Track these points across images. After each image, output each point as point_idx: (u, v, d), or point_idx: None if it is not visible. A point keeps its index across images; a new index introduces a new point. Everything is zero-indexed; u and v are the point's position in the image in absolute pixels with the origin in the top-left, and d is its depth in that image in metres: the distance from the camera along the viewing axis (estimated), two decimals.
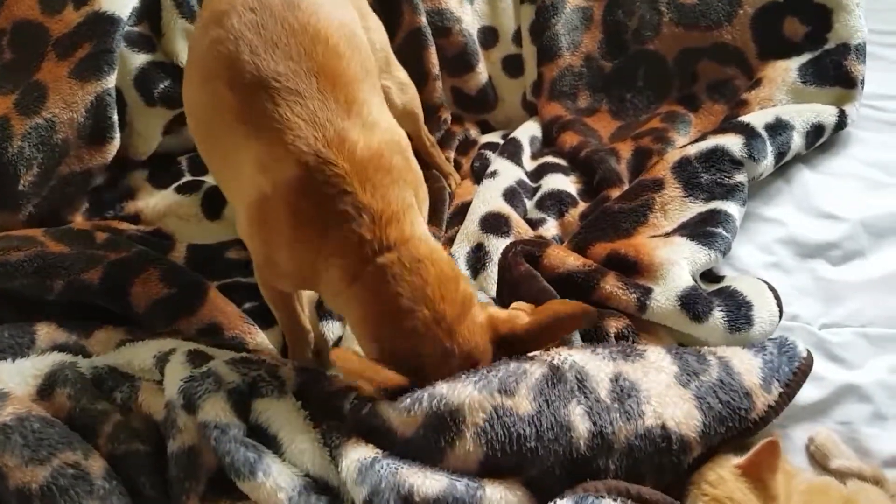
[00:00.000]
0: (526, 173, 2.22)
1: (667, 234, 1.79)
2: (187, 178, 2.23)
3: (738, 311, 1.60)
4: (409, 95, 2.05)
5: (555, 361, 1.37)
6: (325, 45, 1.41)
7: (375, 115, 1.43)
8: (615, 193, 2.01)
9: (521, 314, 1.40)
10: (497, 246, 1.90)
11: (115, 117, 2.09)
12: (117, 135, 2.10)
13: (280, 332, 1.76)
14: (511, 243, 1.87)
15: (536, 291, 1.66)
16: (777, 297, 1.65)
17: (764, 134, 1.94)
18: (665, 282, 1.66)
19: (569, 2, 2.44)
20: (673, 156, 1.94)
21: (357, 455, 1.29)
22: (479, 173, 2.22)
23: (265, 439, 1.37)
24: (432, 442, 1.29)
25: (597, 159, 2.15)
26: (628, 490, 1.26)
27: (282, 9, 1.42)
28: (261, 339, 1.72)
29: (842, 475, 1.41)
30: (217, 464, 1.34)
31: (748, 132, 1.93)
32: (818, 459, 1.46)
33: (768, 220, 1.93)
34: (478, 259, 1.90)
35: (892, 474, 1.40)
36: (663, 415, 1.34)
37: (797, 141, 1.99)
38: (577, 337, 1.59)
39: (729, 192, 1.84)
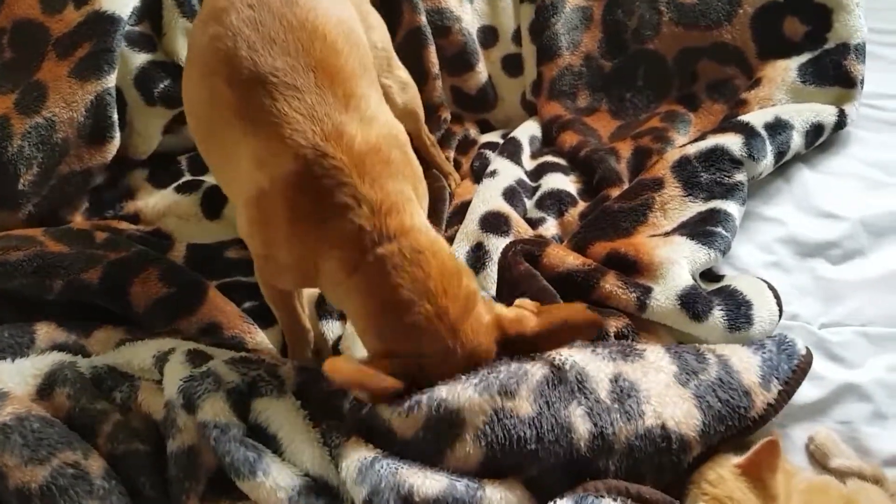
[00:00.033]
0: (525, 173, 2.21)
1: (666, 234, 1.79)
2: (187, 177, 2.22)
3: (738, 311, 1.60)
4: (410, 94, 2.05)
5: (556, 362, 1.37)
6: (322, 41, 1.41)
7: (374, 109, 1.42)
8: (615, 193, 2.01)
9: (528, 315, 1.37)
10: (497, 245, 1.90)
11: (115, 117, 2.09)
12: (117, 134, 2.10)
13: (280, 331, 1.76)
14: (511, 242, 1.87)
15: (536, 290, 1.66)
16: (777, 297, 1.65)
17: (763, 133, 1.94)
18: (665, 281, 1.66)
19: (568, 1, 2.44)
20: (673, 155, 1.94)
21: (357, 455, 1.29)
22: (479, 173, 2.22)
23: (265, 439, 1.38)
24: (432, 444, 1.30)
25: (596, 159, 2.15)
26: (628, 490, 1.26)
27: (280, 5, 1.42)
28: (260, 338, 1.72)
29: (842, 474, 1.41)
30: (217, 463, 1.35)
31: (748, 131, 1.93)
32: (818, 458, 1.46)
33: (768, 219, 1.93)
34: (477, 258, 1.90)
35: (891, 473, 1.40)
36: (663, 414, 1.34)
37: (797, 140, 1.99)
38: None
39: (728, 191, 1.84)
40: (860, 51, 2.15)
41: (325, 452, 1.34)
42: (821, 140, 2.08)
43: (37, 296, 1.72)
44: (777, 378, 1.44)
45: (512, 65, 2.49)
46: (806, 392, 1.51)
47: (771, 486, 1.29)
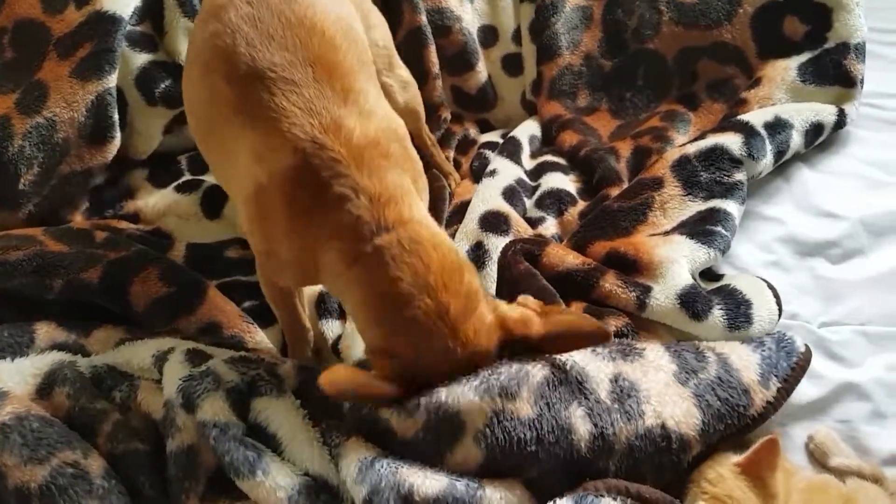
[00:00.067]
0: (525, 172, 2.21)
1: (666, 233, 1.79)
2: (187, 177, 2.22)
3: (738, 310, 1.60)
4: (412, 93, 2.05)
5: (557, 363, 1.37)
6: (321, 37, 1.41)
7: (372, 104, 1.42)
8: (614, 192, 2.01)
9: (533, 318, 1.34)
10: (496, 244, 1.90)
11: (116, 117, 2.09)
12: (118, 134, 2.10)
13: (279, 330, 1.76)
14: (510, 242, 1.88)
15: (536, 290, 1.66)
16: (776, 296, 1.65)
17: (763, 132, 1.94)
18: (664, 280, 1.66)
19: (568, 1, 2.44)
20: (672, 154, 1.94)
21: (357, 454, 1.29)
22: (479, 173, 2.22)
23: (264, 438, 1.38)
24: (432, 445, 1.29)
25: (596, 158, 2.15)
26: (628, 489, 1.26)
27: (278, 2, 1.43)
28: (260, 337, 1.72)
29: (841, 473, 1.41)
30: (216, 463, 1.35)
31: (747, 131, 1.93)
32: (817, 457, 1.46)
33: (768, 218, 1.93)
34: (477, 258, 1.90)
35: (891, 472, 1.40)
36: (663, 414, 1.34)
37: (796, 140, 1.99)
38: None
39: (728, 190, 1.84)
40: (860, 50, 2.15)
41: (324, 452, 1.34)
42: (820, 139, 2.08)
43: (36, 295, 1.72)
44: (776, 376, 1.44)
45: (512, 64, 2.49)
46: (805, 391, 1.51)
47: (770, 485, 1.29)
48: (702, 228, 1.76)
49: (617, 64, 2.42)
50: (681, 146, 2.00)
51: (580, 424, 1.30)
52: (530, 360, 1.36)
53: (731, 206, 1.81)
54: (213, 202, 2.10)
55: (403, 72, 2.02)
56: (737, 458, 1.32)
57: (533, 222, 2.02)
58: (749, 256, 1.84)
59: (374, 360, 1.30)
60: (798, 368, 1.46)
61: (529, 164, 2.27)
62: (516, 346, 1.35)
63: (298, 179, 1.32)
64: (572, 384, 1.35)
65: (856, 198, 1.94)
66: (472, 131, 2.48)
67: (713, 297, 1.63)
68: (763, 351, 1.47)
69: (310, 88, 1.36)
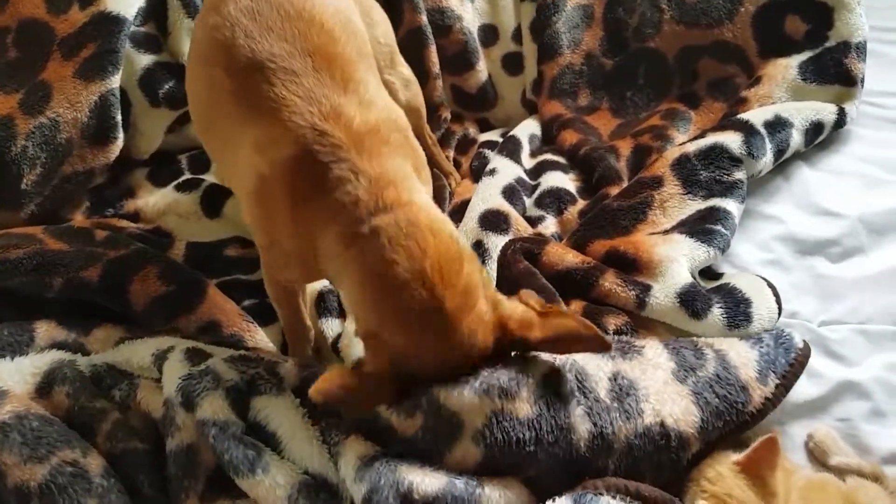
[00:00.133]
0: (525, 171, 2.21)
1: (666, 232, 1.79)
2: (187, 176, 2.23)
3: (737, 308, 1.60)
4: (413, 91, 2.05)
5: (557, 362, 1.37)
6: (319, 29, 1.42)
7: (373, 94, 1.42)
8: (614, 191, 2.01)
9: (534, 319, 1.31)
10: (496, 243, 1.90)
11: (119, 117, 2.09)
12: (121, 135, 2.10)
13: (279, 329, 1.76)
14: (510, 241, 1.88)
15: (536, 289, 1.65)
16: (776, 294, 1.65)
17: (763, 131, 1.94)
18: (664, 279, 1.66)
19: None
20: (672, 153, 1.94)
21: (356, 452, 1.29)
22: (478, 172, 2.22)
23: (264, 437, 1.38)
24: (431, 444, 1.29)
25: (596, 157, 2.15)
26: (627, 487, 1.26)
27: None
28: (260, 336, 1.72)
29: (841, 472, 1.41)
30: (216, 462, 1.35)
31: (747, 129, 1.93)
32: (817, 456, 1.46)
33: (767, 217, 1.93)
34: (477, 256, 1.90)
35: (890, 471, 1.40)
36: (662, 412, 1.34)
37: (796, 138, 1.99)
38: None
39: (728, 189, 1.84)
40: (861, 49, 2.15)
41: (324, 450, 1.34)
42: (820, 138, 2.07)
43: (36, 294, 1.73)
44: (774, 372, 1.44)
45: (512, 63, 2.49)
46: (805, 389, 1.51)
47: (770, 484, 1.29)
48: (701, 227, 1.76)
49: (618, 63, 2.42)
50: (681, 145, 1.99)
51: (579, 424, 1.31)
52: (531, 359, 1.36)
53: (730, 205, 1.81)
54: (213, 201, 2.10)
55: (405, 69, 2.03)
56: (736, 457, 1.32)
57: (533, 221, 2.03)
58: (749, 255, 1.84)
59: (365, 345, 1.29)
60: (797, 365, 1.46)
61: (529, 162, 2.28)
62: (515, 346, 1.34)
63: (299, 167, 1.31)
64: (572, 383, 1.35)
65: (855, 196, 1.94)
66: (472, 130, 2.49)
67: (713, 295, 1.63)
68: (761, 347, 1.47)
69: (309, 78, 1.36)
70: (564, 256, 1.77)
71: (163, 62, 2.20)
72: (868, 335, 1.65)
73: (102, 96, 2.06)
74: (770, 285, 1.67)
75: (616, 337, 1.57)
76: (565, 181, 2.15)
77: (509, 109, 2.52)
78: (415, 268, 1.23)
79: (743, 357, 1.45)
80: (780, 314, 1.63)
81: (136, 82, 2.16)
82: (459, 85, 2.46)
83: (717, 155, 1.88)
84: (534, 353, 1.37)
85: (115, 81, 2.09)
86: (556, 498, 1.24)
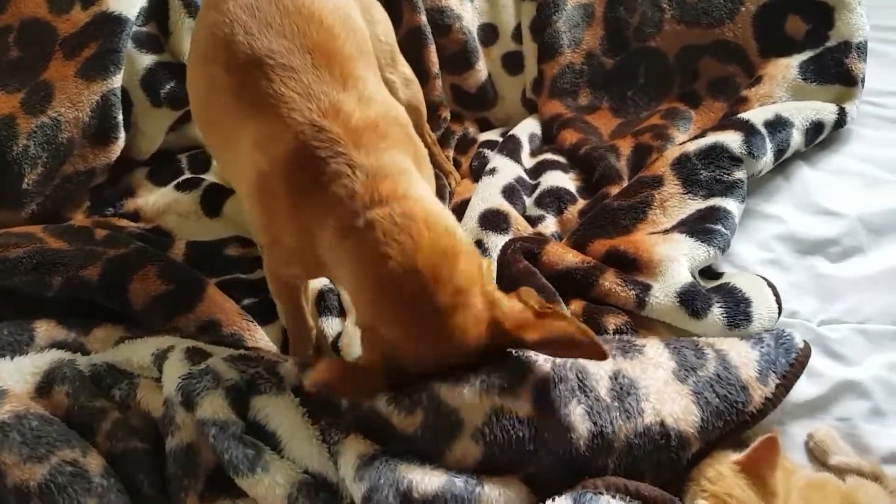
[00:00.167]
0: (525, 170, 2.21)
1: (666, 231, 1.79)
2: (187, 175, 2.23)
3: (737, 308, 1.60)
4: (413, 90, 2.05)
5: (557, 360, 1.37)
6: (319, 25, 1.42)
7: (372, 90, 1.42)
8: (614, 190, 2.01)
9: (530, 319, 1.28)
10: (496, 243, 1.90)
11: (120, 117, 2.09)
12: (122, 135, 2.11)
13: (279, 328, 1.77)
14: (510, 240, 1.88)
15: (535, 288, 1.64)
16: (776, 294, 1.65)
17: (763, 131, 1.94)
18: (664, 278, 1.66)
19: None
20: (672, 153, 1.94)
21: (356, 451, 1.29)
22: (478, 172, 2.22)
23: (264, 436, 1.37)
24: (431, 441, 1.30)
25: (596, 156, 2.15)
26: (627, 487, 1.26)
27: None
28: (259, 335, 1.72)
29: (841, 471, 1.41)
30: (216, 461, 1.34)
31: (748, 129, 1.93)
32: (817, 456, 1.46)
33: (767, 216, 1.93)
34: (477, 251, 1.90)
35: (890, 470, 1.40)
36: (662, 411, 1.34)
37: (797, 138, 1.99)
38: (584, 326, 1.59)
39: (728, 188, 1.83)
40: (862, 49, 2.14)
41: (324, 449, 1.34)
42: (821, 138, 2.07)
43: (36, 293, 1.73)
44: (775, 372, 1.43)
45: (512, 63, 2.49)
46: (805, 389, 1.51)
47: (770, 483, 1.29)
48: (701, 227, 1.76)
49: (618, 62, 2.42)
50: (681, 144, 1.99)
51: (579, 423, 1.30)
52: (531, 358, 1.36)
53: (730, 205, 1.81)
54: (213, 200, 2.10)
55: (406, 68, 2.02)
56: (736, 457, 1.32)
57: (533, 221, 2.03)
58: (749, 255, 1.84)
59: (362, 336, 1.29)
60: (797, 365, 1.46)
61: (529, 162, 2.28)
62: (510, 345, 1.33)
63: (298, 162, 1.31)
64: (572, 382, 1.35)
65: (855, 196, 1.94)
66: (472, 130, 2.49)
67: (713, 295, 1.63)
68: (762, 347, 1.47)
69: (308, 74, 1.36)
70: (564, 256, 1.77)
71: (164, 62, 2.20)
72: (868, 335, 1.65)
73: (104, 96, 2.06)
74: (770, 285, 1.67)
75: (617, 336, 1.57)
76: (565, 181, 2.15)
77: (509, 109, 2.52)
78: (407, 263, 1.22)
79: (743, 357, 1.45)
80: (780, 314, 1.63)
81: (138, 82, 2.16)
82: (459, 84, 2.46)
83: (717, 154, 1.88)
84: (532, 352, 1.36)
85: (117, 81, 2.09)
86: (556, 497, 1.24)
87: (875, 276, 1.76)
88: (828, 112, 2.06)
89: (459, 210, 2.07)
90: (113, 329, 1.68)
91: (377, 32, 1.83)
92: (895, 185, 1.97)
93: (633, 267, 1.72)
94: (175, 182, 2.19)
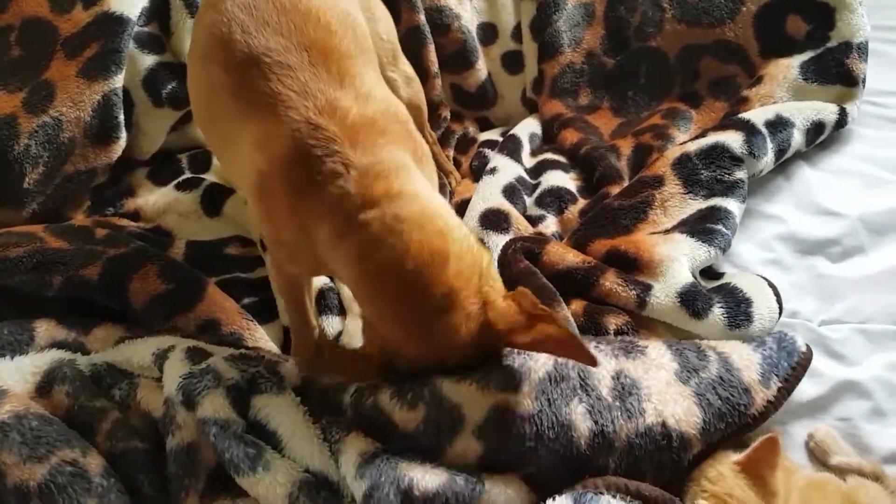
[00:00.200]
0: (525, 170, 2.21)
1: (666, 231, 1.79)
2: (187, 175, 2.22)
3: (738, 308, 1.60)
4: (415, 88, 2.05)
5: (559, 358, 1.37)
6: (316, 22, 1.41)
7: (370, 87, 1.41)
8: (615, 190, 2.01)
9: (521, 323, 1.25)
10: (497, 242, 1.90)
11: (122, 117, 2.09)
12: (123, 134, 2.11)
13: (279, 327, 1.77)
14: (510, 240, 1.88)
15: (536, 288, 1.65)
16: (777, 294, 1.65)
17: (764, 131, 1.93)
18: (665, 278, 1.66)
19: None
20: (673, 152, 1.94)
21: (357, 449, 1.29)
22: (478, 172, 2.22)
23: (264, 435, 1.37)
24: (432, 437, 1.30)
25: (597, 156, 2.15)
26: (627, 487, 1.26)
27: None
28: (259, 334, 1.72)
29: (841, 471, 1.41)
30: (216, 460, 1.34)
31: (748, 129, 1.93)
32: (818, 456, 1.46)
33: (768, 216, 1.93)
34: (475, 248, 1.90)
35: (891, 470, 1.40)
36: (664, 412, 1.34)
37: (797, 138, 1.99)
38: (575, 332, 1.59)
39: (729, 188, 1.83)
40: (863, 49, 2.14)
41: (324, 448, 1.34)
42: (821, 138, 2.07)
43: (36, 292, 1.72)
44: (777, 375, 1.43)
45: (512, 62, 2.49)
46: (805, 389, 1.51)
47: (770, 483, 1.29)
48: (702, 227, 1.76)
49: (619, 62, 2.42)
50: (682, 144, 1.99)
51: (580, 421, 1.30)
52: (533, 356, 1.36)
53: (731, 205, 1.81)
54: (213, 200, 2.10)
55: (407, 66, 2.02)
56: (737, 457, 1.32)
57: (533, 220, 2.02)
58: (749, 255, 1.84)
59: (363, 327, 1.33)
60: (799, 368, 1.46)
61: (530, 161, 2.27)
62: (504, 346, 1.34)
63: (295, 162, 1.31)
64: (574, 380, 1.35)
65: (856, 196, 1.94)
66: (472, 129, 2.49)
67: (713, 295, 1.63)
68: (764, 351, 1.47)
69: (305, 72, 1.36)
70: (565, 256, 1.77)
71: (166, 62, 2.20)
72: (868, 335, 1.65)
73: (105, 96, 2.06)
74: (771, 285, 1.67)
75: (619, 337, 1.57)
76: (566, 180, 2.15)
77: (509, 108, 2.52)
78: (396, 267, 1.23)
79: (745, 360, 1.44)
80: (780, 314, 1.63)
81: (140, 82, 2.16)
82: (459, 83, 2.46)
83: (718, 154, 1.88)
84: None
85: (118, 81, 2.09)
86: (557, 496, 1.24)
87: (876, 276, 1.76)
88: (829, 112, 2.06)
89: (460, 209, 2.06)
90: (113, 329, 1.68)
91: (378, 30, 1.82)
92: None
93: (633, 267, 1.72)
94: (175, 182, 2.18)
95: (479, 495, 1.23)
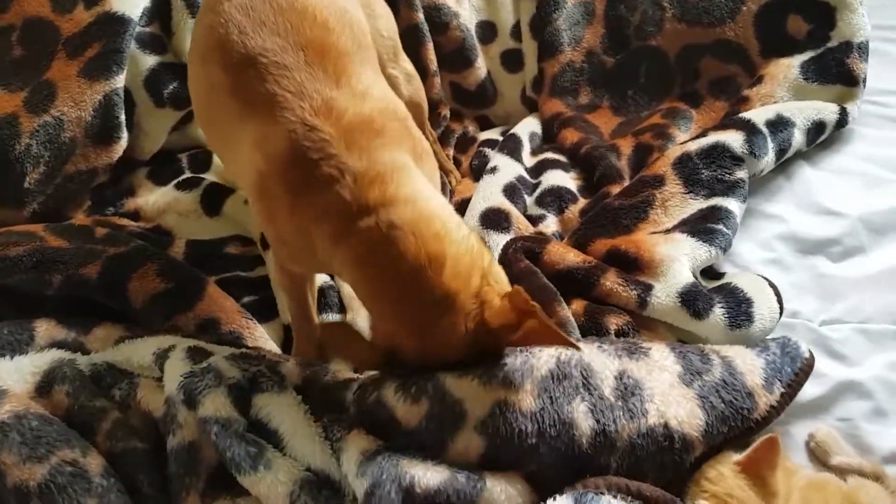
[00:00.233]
0: (526, 169, 2.21)
1: (667, 231, 1.79)
2: (187, 174, 2.22)
3: (739, 308, 1.60)
4: (416, 86, 2.05)
5: (562, 357, 1.37)
6: (313, 21, 1.41)
7: (368, 85, 1.41)
8: (615, 190, 2.01)
9: (513, 320, 1.25)
10: (497, 242, 1.90)
11: (123, 117, 2.09)
12: (124, 135, 2.10)
13: (279, 325, 1.77)
14: (511, 240, 1.88)
15: (536, 288, 1.66)
16: (777, 294, 1.65)
17: (765, 130, 1.94)
18: (665, 278, 1.66)
19: None
20: (673, 152, 1.94)
21: (358, 447, 1.29)
22: (478, 171, 2.22)
23: (266, 434, 1.37)
24: (435, 433, 1.30)
25: (597, 155, 2.15)
26: (628, 487, 1.26)
27: None
28: (259, 333, 1.72)
29: (842, 472, 1.40)
30: (217, 459, 1.34)
31: (749, 128, 1.93)
32: (818, 456, 1.46)
33: (769, 216, 1.93)
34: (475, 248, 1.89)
35: (892, 470, 1.40)
36: (666, 413, 1.34)
37: (798, 138, 1.99)
38: (576, 332, 1.59)
39: (729, 188, 1.83)
40: (863, 49, 2.15)
41: (326, 446, 1.34)
42: (822, 138, 2.07)
43: (36, 291, 1.72)
44: (780, 380, 1.43)
45: (511, 60, 2.49)
46: (806, 389, 1.49)
47: (771, 484, 1.29)
48: (703, 226, 1.76)
49: (619, 61, 2.42)
50: (682, 144, 1.99)
51: (582, 420, 1.30)
52: (535, 353, 1.36)
53: (732, 204, 1.81)
54: (213, 199, 2.09)
55: (408, 64, 2.02)
56: (737, 457, 1.32)
57: (534, 220, 2.02)
58: (750, 254, 1.84)
59: (370, 322, 1.34)
60: (802, 374, 1.46)
61: (530, 161, 2.27)
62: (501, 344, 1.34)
63: (292, 163, 1.31)
64: (577, 379, 1.35)
65: (857, 196, 1.94)
66: (472, 128, 2.49)
67: (714, 295, 1.63)
68: (768, 356, 1.47)
69: (301, 72, 1.35)
70: (565, 255, 1.77)
71: (167, 63, 2.20)
72: (869, 334, 1.65)
73: (106, 96, 2.06)
74: (771, 285, 1.67)
75: (622, 339, 1.57)
76: (566, 180, 2.14)
77: (509, 106, 2.52)
78: (394, 271, 1.25)
79: (749, 364, 1.44)
80: (781, 314, 1.63)
81: (142, 83, 2.16)
82: (458, 82, 2.46)
83: (718, 154, 1.88)
84: (538, 347, 1.37)
85: (120, 81, 2.09)
86: (558, 496, 1.24)
87: (876, 275, 1.77)
88: (829, 112, 2.06)
89: (460, 209, 2.06)
90: (113, 328, 1.67)
91: (378, 27, 1.82)
92: None
93: (634, 267, 1.72)
94: (175, 181, 2.18)
95: (480, 493, 1.23)
